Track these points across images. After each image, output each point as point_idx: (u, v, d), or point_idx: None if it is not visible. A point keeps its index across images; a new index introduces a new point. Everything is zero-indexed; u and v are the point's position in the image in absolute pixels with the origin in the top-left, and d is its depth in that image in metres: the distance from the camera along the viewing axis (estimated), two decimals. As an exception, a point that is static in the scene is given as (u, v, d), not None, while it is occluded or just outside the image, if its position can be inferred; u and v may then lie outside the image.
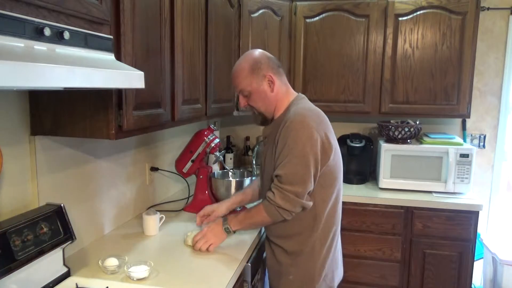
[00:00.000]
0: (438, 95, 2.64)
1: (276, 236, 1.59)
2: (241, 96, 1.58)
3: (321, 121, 1.47)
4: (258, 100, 1.55)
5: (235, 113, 2.61)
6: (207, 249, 1.61)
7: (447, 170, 2.57)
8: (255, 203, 1.69)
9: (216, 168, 2.59)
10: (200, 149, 2.14)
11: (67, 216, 1.36)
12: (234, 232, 1.61)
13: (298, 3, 2.76)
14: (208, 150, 2.15)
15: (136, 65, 1.35)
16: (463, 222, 2.45)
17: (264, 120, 1.61)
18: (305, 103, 1.54)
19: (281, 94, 1.55)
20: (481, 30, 2.83)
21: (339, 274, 1.64)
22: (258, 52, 1.56)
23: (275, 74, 1.52)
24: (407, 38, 2.64)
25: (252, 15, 2.60)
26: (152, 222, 1.80)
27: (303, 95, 1.60)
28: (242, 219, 1.58)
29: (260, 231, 1.90)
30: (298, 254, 1.53)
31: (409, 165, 2.63)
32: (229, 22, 2.34)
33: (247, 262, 1.65)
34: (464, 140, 2.93)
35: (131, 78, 1.11)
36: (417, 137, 2.76)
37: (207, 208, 1.81)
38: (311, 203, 1.46)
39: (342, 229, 1.72)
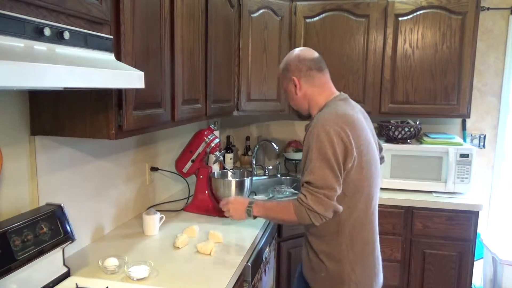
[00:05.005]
0: (438, 95, 2.64)
1: (309, 232, 1.61)
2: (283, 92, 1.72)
3: (345, 124, 1.45)
4: (289, 98, 1.68)
5: (235, 113, 2.61)
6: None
7: (447, 170, 2.57)
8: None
9: (216, 168, 2.59)
10: (200, 149, 2.14)
11: (67, 216, 1.36)
12: (255, 217, 1.62)
13: (298, 3, 2.76)
14: (208, 150, 2.15)
15: (136, 65, 1.35)
16: (463, 222, 2.45)
17: (300, 115, 1.70)
18: (337, 106, 1.52)
19: (311, 94, 1.59)
20: (481, 30, 2.83)
21: (378, 282, 1.63)
22: (294, 53, 1.62)
23: (301, 77, 1.58)
24: (407, 38, 2.64)
25: (252, 15, 2.60)
26: (152, 222, 1.80)
27: (344, 96, 1.60)
28: (267, 209, 1.60)
29: (261, 230, 1.90)
30: (325, 255, 1.55)
31: (409, 165, 2.63)
32: (229, 22, 2.34)
33: (247, 262, 1.65)
34: (464, 140, 2.93)
35: (131, 78, 1.11)
36: (417, 137, 2.76)
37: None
38: (341, 207, 1.45)
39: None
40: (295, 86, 1.59)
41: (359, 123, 1.50)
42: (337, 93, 1.62)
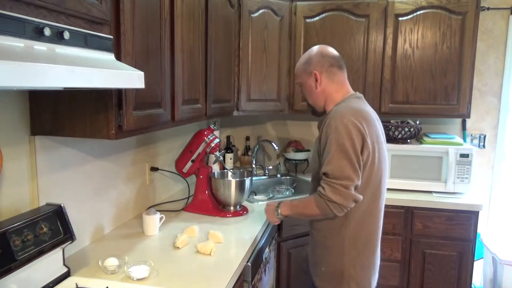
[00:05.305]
0: (438, 95, 2.64)
1: (313, 227, 1.67)
2: (299, 86, 1.75)
3: (362, 119, 1.49)
4: (306, 92, 1.70)
5: (235, 113, 2.61)
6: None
7: (447, 170, 2.57)
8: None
9: (216, 168, 2.59)
10: (200, 149, 2.14)
11: (67, 216, 1.36)
12: (285, 216, 1.70)
13: (298, 3, 2.76)
14: (208, 150, 2.15)
15: (136, 65, 1.35)
16: (463, 222, 2.45)
17: (314, 111, 1.73)
18: (352, 102, 1.58)
19: (330, 90, 1.63)
20: (481, 30, 2.83)
21: (375, 280, 1.66)
22: (316, 49, 1.67)
23: (322, 73, 1.62)
24: (407, 38, 2.64)
25: (252, 15, 2.60)
26: (152, 222, 1.80)
27: (359, 94, 1.65)
28: (293, 207, 1.66)
29: (261, 230, 1.90)
30: (329, 248, 1.59)
31: (409, 165, 2.62)
32: (229, 22, 2.34)
33: (247, 262, 1.65)
34: (464, 140, 2.93)
35: (131, 78, 1.10)
36: (417, 137, 2.76)
37: None
38: (361, 197, 1.48)
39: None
40: (316, 80, 1.62)
41: (373, 121, 1.56)
42: (353, 92, 1.66)
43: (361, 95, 1.66)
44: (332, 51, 1.67)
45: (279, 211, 1.69)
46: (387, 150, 2.59)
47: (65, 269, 1.37)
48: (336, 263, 1.57)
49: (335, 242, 1.57)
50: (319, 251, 1.64)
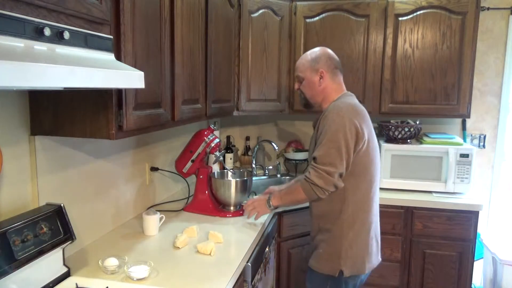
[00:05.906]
0: (438, 95, 2.64)
1: (313, 214, 1.80)
2: (297, 80, 1.87)
3: (357, 113, 1.66)
4: (307, 87, 1.82)
5: (235, 113, 2.61)
6: (255, 218, 1.92)
7: (447, 170, 2.57)
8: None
9: (216, 168, 2.59)
10: (200, 149, 2.14)
11: (67, 216, 1.36)
12: (276, 207, 1.85)
13: (298, 3, 2.76)
14: (208, 150, 2.15)
15: (136, 65, 1.35)
16: (463, 222, 2.45)
17: (307, 104, 1.89)
18: (348, 99, 1.74)
19: (330, 89, 1.79)
20: (481, 30, 2.83)
21: (371, 259, 1.75)
22: (322, 50, 1.83)
23: (328, 72, 1.78)
24: (407, 38, 2.64)
25: (252, 15, 2.60)
26: (152, 222, 1.80)
27: (351, 93, 1.82)
28: (282, 197, 1.81)
29: (261, 230, 1.91)
30: (327, 232, 1.72)
31: (409, 165, 2.63)
32: (229, 22, 2.34)
33: (247, 262, 1.65)
34: (464, 140, 2.93)
35: (131, 78, 1.10)
36: (417, 137, 2.76)
37: (270, 189, 2.09)
38: (342, 184, 1.64)
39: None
40: (321, 78, 1.77)
41: (366, 115, 1.72)
42: (346, 91, 1.83)
43: (353, 94, 1.83)
44: (335, 55, 1.84)
45: (270, 203, 1.83)
46: (386, 150, 2.61)
47: (65, 269, 1.37)
48: (335, 246, 1.69)
49: (334, 226, 1.69)
50: (319, 236, 1.75)
